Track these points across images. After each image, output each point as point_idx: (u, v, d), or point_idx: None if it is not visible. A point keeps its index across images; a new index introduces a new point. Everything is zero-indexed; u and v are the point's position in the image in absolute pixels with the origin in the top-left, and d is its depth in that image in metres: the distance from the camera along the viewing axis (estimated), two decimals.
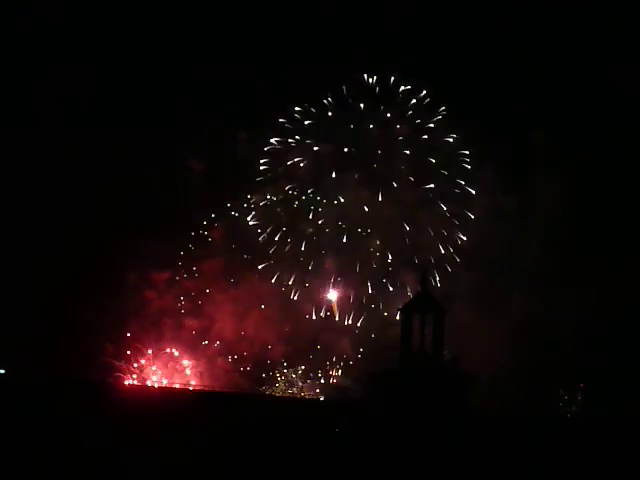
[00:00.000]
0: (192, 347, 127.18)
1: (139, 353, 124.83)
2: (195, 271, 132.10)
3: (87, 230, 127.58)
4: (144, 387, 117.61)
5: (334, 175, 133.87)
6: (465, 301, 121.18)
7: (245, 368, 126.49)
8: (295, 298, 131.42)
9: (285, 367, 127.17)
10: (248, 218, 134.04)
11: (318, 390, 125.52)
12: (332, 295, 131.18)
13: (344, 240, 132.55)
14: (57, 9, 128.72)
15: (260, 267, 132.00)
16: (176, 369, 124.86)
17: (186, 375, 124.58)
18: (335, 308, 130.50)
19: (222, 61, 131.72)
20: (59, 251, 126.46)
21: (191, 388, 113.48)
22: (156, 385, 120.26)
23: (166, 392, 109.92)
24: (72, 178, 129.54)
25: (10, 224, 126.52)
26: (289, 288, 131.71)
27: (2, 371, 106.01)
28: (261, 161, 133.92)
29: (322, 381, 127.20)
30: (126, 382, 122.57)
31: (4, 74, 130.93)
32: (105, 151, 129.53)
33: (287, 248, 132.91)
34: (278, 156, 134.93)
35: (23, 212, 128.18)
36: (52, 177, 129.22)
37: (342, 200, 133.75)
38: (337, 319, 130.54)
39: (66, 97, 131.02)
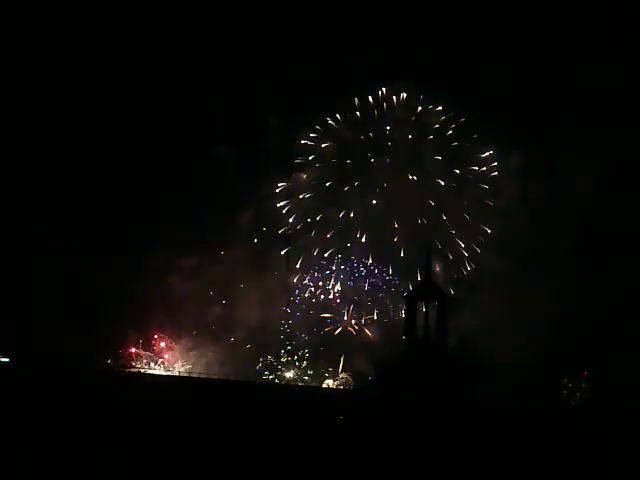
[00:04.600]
0: (215, 335, 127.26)
1: (161, 341, 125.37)
2: (221, 258, 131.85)
3: (110, 215, 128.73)
4: (162, 376, 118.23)
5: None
6: (487, 289, 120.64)
7: (266, 356, 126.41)
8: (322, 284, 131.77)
9: (306, 355, 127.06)
10: (278, 205, 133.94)
11: (341, 377, 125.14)
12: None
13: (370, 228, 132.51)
14: None
15: (284, 254, 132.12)
16: (196, 357, 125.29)
17: (206, 363, 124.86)
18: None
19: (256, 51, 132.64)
20: (82, 236, 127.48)
21: (198, 376, 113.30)
22: (176, 373, 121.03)
23: (180, 380, 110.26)
24: (101, 164, 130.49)
25: (33, 209, 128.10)
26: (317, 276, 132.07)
27: (6, 359, 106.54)
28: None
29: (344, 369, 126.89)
30: (149, 370, 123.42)
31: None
32: (133, 136, 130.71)
33: (313, 235, 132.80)
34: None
35: (46, 197, 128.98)
36: (79, 163, 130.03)
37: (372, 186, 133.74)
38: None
39: (97, 84, 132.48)
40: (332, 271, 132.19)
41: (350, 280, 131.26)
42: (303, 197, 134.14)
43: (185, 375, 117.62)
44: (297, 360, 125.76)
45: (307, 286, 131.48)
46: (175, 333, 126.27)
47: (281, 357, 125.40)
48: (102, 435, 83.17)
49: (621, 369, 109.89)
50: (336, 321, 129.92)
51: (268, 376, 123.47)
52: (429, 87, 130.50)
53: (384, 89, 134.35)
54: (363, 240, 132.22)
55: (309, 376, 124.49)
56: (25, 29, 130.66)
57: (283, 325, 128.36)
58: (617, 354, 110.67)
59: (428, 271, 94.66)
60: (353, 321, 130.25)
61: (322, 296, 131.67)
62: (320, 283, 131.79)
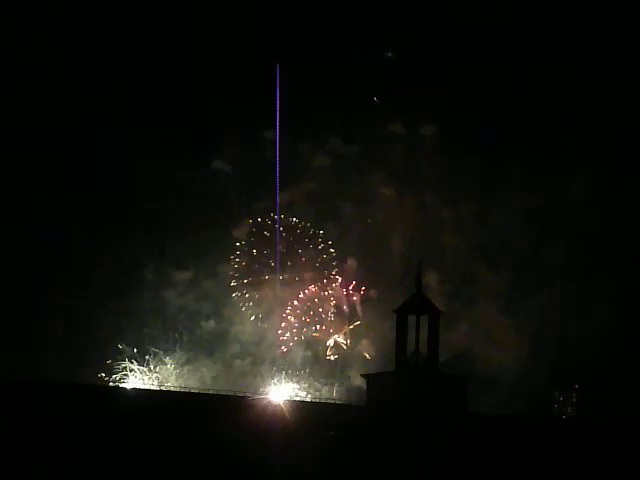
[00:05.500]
0: (209, 349, 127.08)
1: (154, 355, 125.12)
2: (216, 272, 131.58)
3: (105, 226, 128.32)
4: (155, 391, 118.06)
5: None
6: (482, 301, 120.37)
7: (260, 371, 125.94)
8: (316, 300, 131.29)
9: (302, 370, 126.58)
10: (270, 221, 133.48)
11: (335, 392, 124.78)
12: None
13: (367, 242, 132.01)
14: None
15: (280, 270, 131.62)
16: (190, 372, 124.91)
17: (200, 378, 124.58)
18: None
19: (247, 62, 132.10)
20: (76, 248, 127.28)
21: (193, 391, 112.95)
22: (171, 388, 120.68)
23: (174, 395, 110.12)
24: (92, 173, 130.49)
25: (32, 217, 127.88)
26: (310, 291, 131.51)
27: None
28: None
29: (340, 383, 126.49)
30: (141, 385, 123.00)
31: None
32: (126, 148, 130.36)
33: (310, 250, 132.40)
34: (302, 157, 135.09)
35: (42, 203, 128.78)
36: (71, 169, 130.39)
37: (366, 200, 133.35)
38: None
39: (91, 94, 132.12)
40: (326, 286, 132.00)
41: (344, 295, 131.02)
42: (295, 213, 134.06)
43: (178, 390, 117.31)
44: (291, 375, 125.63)
45: (302, 302, 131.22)
46: (169, 348, 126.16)
47: (274, 372, 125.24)
48: (93, 450, 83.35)
49: (613, 383, 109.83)
50: (329, 337, 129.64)
51: (260, 392, 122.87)
52: (425, 99, 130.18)
53: (375, 98, 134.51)
54: (357, 255, 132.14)
55: (303, 390, 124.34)
56: None
57: (277, 341, 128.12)
58: (609, 368, 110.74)
59: (419, 284, 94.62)
60: (347, 337, 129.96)
61: (317, 311, 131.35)
62: (315, 299, 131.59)
